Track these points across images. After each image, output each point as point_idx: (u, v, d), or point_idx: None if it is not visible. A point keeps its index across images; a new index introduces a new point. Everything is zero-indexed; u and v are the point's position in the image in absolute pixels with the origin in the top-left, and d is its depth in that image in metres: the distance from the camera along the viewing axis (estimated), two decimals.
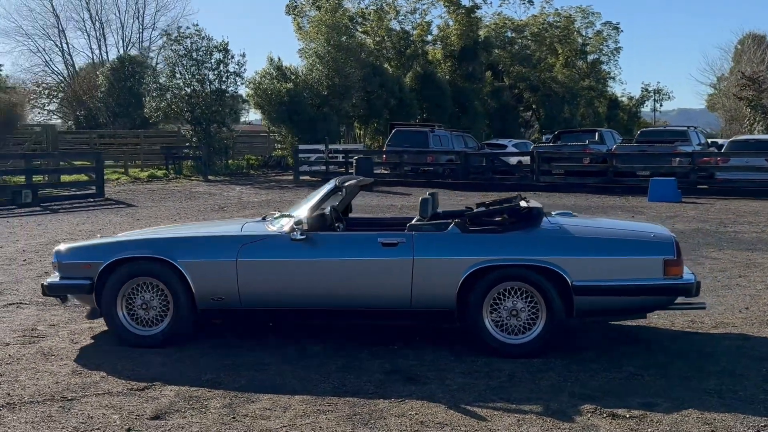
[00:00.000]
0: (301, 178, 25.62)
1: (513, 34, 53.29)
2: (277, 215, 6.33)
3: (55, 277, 6.10)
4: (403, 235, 5.81)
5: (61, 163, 23.39)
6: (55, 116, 59.17)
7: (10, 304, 7.37)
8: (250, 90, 31.99)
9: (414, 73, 41.40)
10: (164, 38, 33.21)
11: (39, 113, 57.44)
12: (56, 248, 6.22)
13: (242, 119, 40.96)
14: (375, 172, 25.15)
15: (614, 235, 5.87)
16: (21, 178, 19.50)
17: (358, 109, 36.42)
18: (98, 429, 4.28)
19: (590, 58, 57.66)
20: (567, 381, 5.15)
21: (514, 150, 28.05)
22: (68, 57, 59.34)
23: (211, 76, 29.23)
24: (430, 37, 45.54)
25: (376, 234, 5.90)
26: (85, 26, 57.09)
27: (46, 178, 20.88)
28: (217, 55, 29.11)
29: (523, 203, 6.42)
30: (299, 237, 5.81)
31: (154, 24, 61.36)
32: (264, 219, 6.44)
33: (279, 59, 33.45)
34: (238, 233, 6.05)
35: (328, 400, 4.77)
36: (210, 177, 26.57)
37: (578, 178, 22.38)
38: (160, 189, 22.80)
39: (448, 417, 4.49)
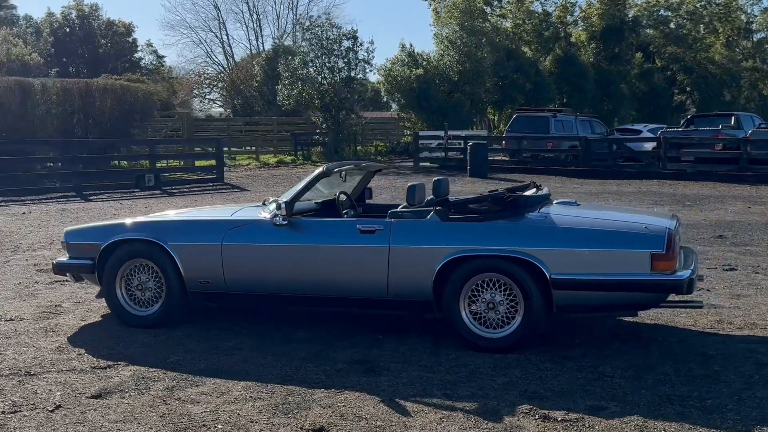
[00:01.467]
0: (421, 164, 25.60)
1: (667, 13, 50.69)
2: (271, 201, 6.35)
3: (64, 257, 6.42)
4: (381, 222, 5.69)
5: (196, 149, 24.55)
6: (215, 105, 62.43)
7: (56, 281, 7.82)
8: (380, 76, 32.29)
9: (554, 56, 40.29)
10: (297, 27, 34.06)
11: (200, 102, 60.87)
12: (65, 229, 6.54)
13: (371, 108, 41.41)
14: (495, 159, 24.79)
15: (600, 226, 5.48)
16: (146, 163, 20.64)
17: (491, 94, 35.90)
18: (32, 405, 4.46)
19: (756, 36, 53.92)
20: (527, 379, 4.87)
21: (650, 135, 26.70)
22: (228, 48, 61.98)
23: (340, 64, 29.72)
24: (570, 18, 44.11)
25: (355, 221, 5.81)
26: (243, 18, 59.74)
27: (170, 163, 21.99)
28: (346, 43, 29.57)
29: (529, 192, 6.14)
30: (282, 222, 5.81)
31: (307, 14, 63.36)
32: (263, 204, 6.48)
33: (411, 45, 33.57)
34: (225, 218, 6.14)
35: (269, 388, 4.74)
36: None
37: (708, 166, 21.09)
38: (281, 174, 23.46)
39: (372, 410, 4.36)
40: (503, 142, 25.13)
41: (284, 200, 5.87)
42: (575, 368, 5.09)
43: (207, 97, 61.25)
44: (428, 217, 5.63)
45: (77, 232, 6.40)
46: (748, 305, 6.76)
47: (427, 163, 25.77)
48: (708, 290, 7.32)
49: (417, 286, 5.55)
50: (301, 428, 4.12)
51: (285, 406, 4.44)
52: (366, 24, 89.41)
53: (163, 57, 61.61)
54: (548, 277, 5.27)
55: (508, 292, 5.41)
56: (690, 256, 5.85)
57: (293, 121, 32.43)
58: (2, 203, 16.10)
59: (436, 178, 6.40)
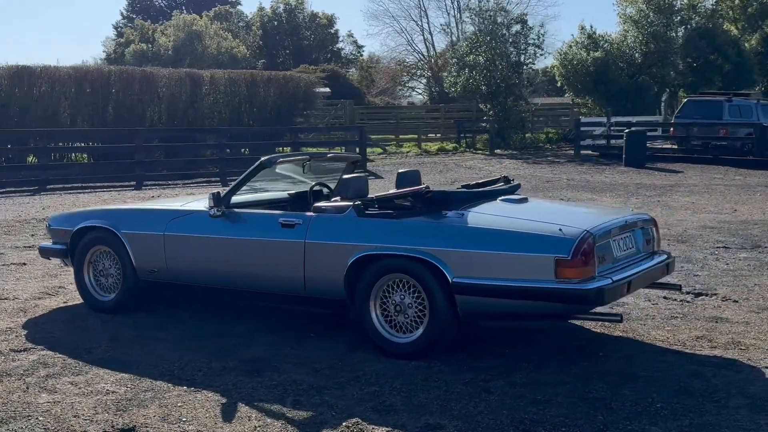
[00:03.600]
0: (582, 152, 24.40)
1: None
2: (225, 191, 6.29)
3: (48, 242, 6.76)
4: (301, 216, 5.46)
5: (362, 137, 24.99)
6: (415, 93, 63.41)
7: None
8: (555, 61, 31.12)
9: (761, 35, 36.74)
10: (466, 13, 33.60)
11: (400, 90, 62.01)
12: (50, 215, 6.87)
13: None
14: (663, 147, 23.15)
15: (509, 227, 4.89)
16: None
17: (683, 76, 33.43)
18: None
19: None
20: (396, 391, 4.50)
21: None
22: (428, 36, 62.56)
23: (509, 49, 28.97)
24: None
25: (279, 214, 5.61)
26: (444, 5, 59.82)
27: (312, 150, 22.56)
28: (515, 28, 28.77)
29: (500, 185, 5.71)
30: (216, 213, 5.74)
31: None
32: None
33: (591, 27, 32.02)
34: (170, 208, 6.16)
35: (138, 381, 4.70)
36: (497, 151, 26.49)
37: None
38: (432, 162, 23.32)
39: (199, 414, 4.21)
40: (671, 129, 23.32)
41: (215, 192, 5.79)
42: (466, 381, 4.64)
43: (407, 85, 62.20)
44: (346, 212, 5.32)
45: (58, 218, 6.70)
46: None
47: (589, 151, 24.51)
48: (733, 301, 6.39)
49: (331, 284, 5.28)
50: (112, 426, 4.05)
51: (126, 402, 4.38)
52: (538, 7, 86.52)
53: (362, 47, 63.44)
54: (450, 280, 4.81)
55: (416, 295, 5.00)
56: (644, 263, 5.14)
57: (461, 108, 32.10)
58: (170, 185, 17.43)
59: (400, 171, 6.07)
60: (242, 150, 23.06)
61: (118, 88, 21.93)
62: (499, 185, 5.96)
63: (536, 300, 4.68)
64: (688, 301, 6.53)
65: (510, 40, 28.79)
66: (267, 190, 6.53)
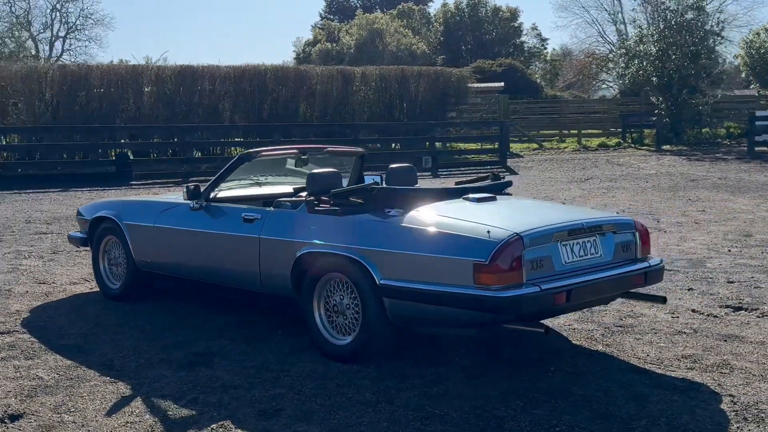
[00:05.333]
0: (757, 149, 22.35)
1: None
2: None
3: (77, 230, 7.12)
4: (261, 211, 5.38)
5: (517, 133, 24.48)
6: (605, 85, 60.96)
7: None
8: (740, 50, 28.74)
9: None
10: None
11: (592, 83, 59.92)
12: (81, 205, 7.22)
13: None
14: None
15: (438, 227, 4.52)
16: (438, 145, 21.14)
17: None
18: None
19: None
20: (297, 395, 4.33)
21: None
22: (621, 27, 60.12)
23: (685, 38, 27.08)
24: None
25: (244, 208, 5.55)
26: None
27: (453, 146, 22.33)
28: (689, 15, 26.84)
29: (477, 184, 5.38)
30: (195, 207, 5.79)
31: None
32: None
33: None
34: (162, 200, 6.27)
35: (73, 369, 4.79)
36: (664, 147, 24.92)
37: None
38: (582, 158, 22.38)
39: (87, 407, 4.24)
40: None
41: (189, 185, 5.83)
42: (381, 389, 4.39)
43: (597, 77, 60.05)
44: (298, 208, 5.18)
45: (84, 208, 7.03)
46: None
47: (764, 148, 22.42)
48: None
49: (281, 282, 5.16)
50: (5, 412, 4.15)
51: (41, 388, 4.47)
52: None
53: (546, 40, 61.79)
54: (377, 281, 4.55)
55: (353, 296, 4.78)
56: (609, 271, 4.64)
57: (630, 101, 30.46)
58: None
59: (392, 166, 5.84)
60: (392, 145, 23.30)
61: (274, 86, 22.82)
62: (487, 182, 5.59)
63: (456, 306, 4.32)
64: (715, 315, 5.79)
65: (686, 28, 26.88)
66: (272, 184, 6.50)
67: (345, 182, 6.45)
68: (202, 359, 4.97)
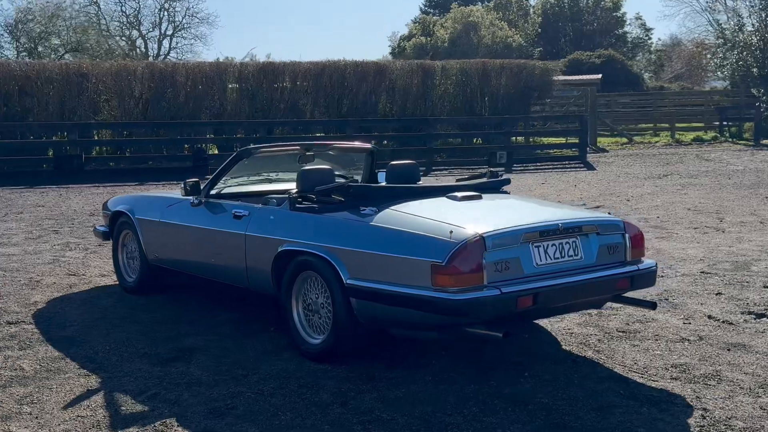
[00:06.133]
0: None
1: None
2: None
3: (101, 224, 7.29)
4: (249, 208, 5.36)
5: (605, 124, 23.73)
6: (717, 75, 58.49)
7: None
8: None
9: None
10: None
11: (700, 74, 57.57)
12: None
13: None
14: None
15: (405, 227, 4.38)
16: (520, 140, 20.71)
17: None
18: None
19: None
20: (255, 394, 4.29)
21: None
22: (720, 15, 57.59)
23: None
24: None
25: (235, 204, 5.53)
26: None
27: (535, 140, 21.81)
28: None
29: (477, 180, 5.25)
30: (194, 202, 5.83)
31: None
32: None
33: None
34: (169, 195, 6.32)
35: (56, 362, 4.86)
36: (763, 141, 23.70)
37: None
38: (671, 153, 21.52)
39: (52, 397, 4.32)
40: None
41: (188, 181, 5.86)
42: (341, 390, 4.30)
43: (706, 68, 57.64)
44: (282, 205, 5.13)
45: (110, 202, 7.16)
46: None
47: None
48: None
49: (265, 279, 5.13)
50: None
51: (17, 379, 4.55)
52: None
53: (650, 30, 59.73)
54: (344, 281, 4.45)
55: (326, 295, 4.70)
56: (589, 274, 4.42)
57: (727, 93, 29.03)
58: None
59: (392, 163, 5.75)
60: (474, 140, 23.03)
61: (353, 81, 22.89)
62: (483, 180, 5.42)
63: (416, 309, 4.18)
64: (731, 323, 5.42)
65: None
66: (281, 181, 6.48)
67: (359, 179, 6.40)
68: (184, 355, 4.99)
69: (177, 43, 58.64)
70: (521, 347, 4.99)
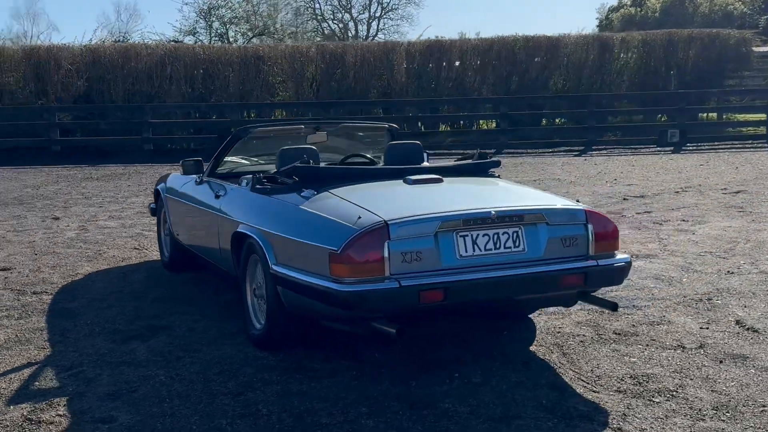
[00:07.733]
0: None
1: None
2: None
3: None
4: (226, 187, 5.22)
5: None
6: None
7: None
8: None
9: None
10: None
11: None
12: None
13: None
14: None
15: (318, 210, 4.08)
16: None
17: None
18: None
19: None
20: (167, 380, 4.17)
21: None
22: None
23: None
24: None
25: (220, 183, 5.41)
26: None
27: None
28: None
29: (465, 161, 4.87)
30: (198, 181, 5.81)
31: None
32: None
33: None
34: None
35: (34, 333, 5.00)
36: None
37: None
38: None
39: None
40: None
41: (193, 160, 5.83)
42: (243, 381, 4.07)
43: None
44: (244, 185, 4.95)
45: (158, 180, 7.33)
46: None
47: None
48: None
49: (228, 260, 4.99)
50: None
51: None
52: None
53: None
54: (270, 266, 4.21)
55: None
56: (531, 268, 3.89)
57: None
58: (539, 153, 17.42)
59: (392, 143, 5.45)
60: (658, 116, 21.47)
61: (524, 57, 22.07)
62: (470, 161, 4.95)
63: (318, 300, 3.86)
64: (755, 330, 4.60)
65: None
66: None
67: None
68: (149, 333, 4.96)
69: (384, 24, 59.93)
70: (491, 345, 4.48)
